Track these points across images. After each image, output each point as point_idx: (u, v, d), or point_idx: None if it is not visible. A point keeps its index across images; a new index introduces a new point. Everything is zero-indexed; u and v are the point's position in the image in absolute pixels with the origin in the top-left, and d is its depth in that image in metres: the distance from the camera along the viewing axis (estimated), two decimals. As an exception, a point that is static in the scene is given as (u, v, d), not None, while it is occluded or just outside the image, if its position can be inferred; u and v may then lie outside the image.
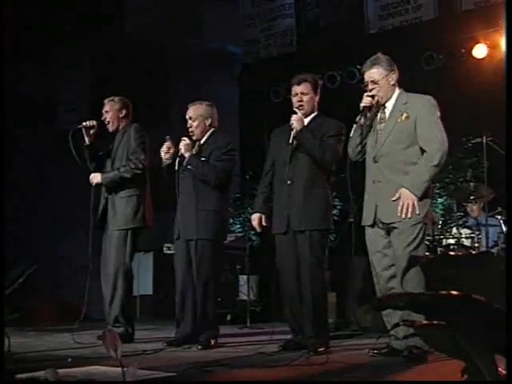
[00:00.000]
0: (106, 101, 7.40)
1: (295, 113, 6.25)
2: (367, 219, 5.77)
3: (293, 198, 6.15)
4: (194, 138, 6.73)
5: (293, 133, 6.17)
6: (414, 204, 5.45)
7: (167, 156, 6.74)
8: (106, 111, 7.33)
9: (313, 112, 6.37)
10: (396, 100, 5.76)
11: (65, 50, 13.18)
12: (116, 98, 7.38)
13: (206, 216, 6.52)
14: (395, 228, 5.54)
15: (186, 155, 6.59)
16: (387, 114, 5.77)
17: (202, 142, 6.75)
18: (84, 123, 7.15)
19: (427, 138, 5.55)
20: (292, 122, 6.14)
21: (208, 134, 6.77)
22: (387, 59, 5.81)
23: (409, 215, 5.44)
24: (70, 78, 13.53)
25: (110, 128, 7.32)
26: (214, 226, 6.56)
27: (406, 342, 5.33)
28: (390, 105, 5.78)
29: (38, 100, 12.97)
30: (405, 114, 5.65)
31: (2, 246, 2.56)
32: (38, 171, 11.78)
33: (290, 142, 6.18)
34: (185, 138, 6.65)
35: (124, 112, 7.34)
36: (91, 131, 7.17)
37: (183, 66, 12.64)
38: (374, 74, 5.77)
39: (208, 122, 6.75)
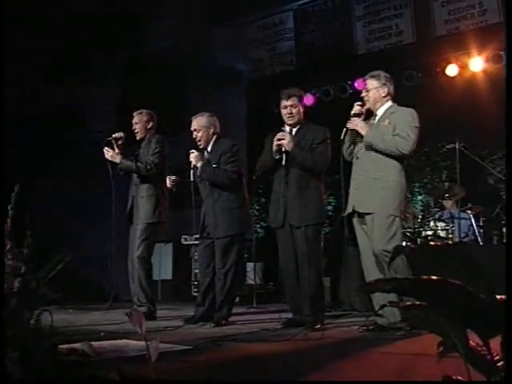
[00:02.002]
0: (135, 113, 7.42)
1: (282, 129, 6.28)
2: (348, 208, 5.87)
3: (289, 198, 6.14)
4: (201, 147, 6.68)
5: (284, 155, 6.12)
6: (358, 125, 5.75)
7: (173, 184, 6.86)
8: (136, 122, 7.36)
9: (300, 121, 6.38)
10: (386, 110, 5.87)
11: (97, 66, 13.22)
12: (144, 112, 7.40)
13: (229, 214, 6.49)
14: (367, 223, 5.65)
15: (198, 165, 6.57)
16: (376, 120, 5.85)
17: (209, 149, 6.71)
18: (114, 135, 7.21)
19: (402, 136, 5.61)
20: (283, 144, 6.06)
21: (213, 141, 6.70)
22: (384, 76, 5.94)
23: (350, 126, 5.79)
24: (100, 91, 13.56)
25: (138, 136, 7.35)
26: (238, 222, 6.54)
27: (391, 319, 5.36)
28: (379, 113, 5.91)
29: (71, 110, 13.00)
30: (387, 121, 5.78)
31: (2, 244, 2.57)
32: (75, 175, 11.79)
33: (283, 163, 6.15)
34: (193, 151, 6.61)
35: (151, 124, 7.38)
36: (119, 141, 7.22)
37: (198, 82, 12.65)
38: (368, 83, 5.95)
39: (211, 131, 6.69)
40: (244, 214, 6.71)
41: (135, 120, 7.39)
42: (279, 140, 6.11)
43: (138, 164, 7.08)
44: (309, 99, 11.08)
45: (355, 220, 5.85)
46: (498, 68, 9.95)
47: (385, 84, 5.87)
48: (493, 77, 9.96)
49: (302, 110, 6.40)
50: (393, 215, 5.57)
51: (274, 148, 6.15)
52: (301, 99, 6.46)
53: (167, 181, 6.93)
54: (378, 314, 5.53)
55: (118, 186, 7.46)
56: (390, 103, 5.89)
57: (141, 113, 7.40)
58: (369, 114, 5.98)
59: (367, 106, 5.91)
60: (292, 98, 6.34)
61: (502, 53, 9.70)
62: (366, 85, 5.99)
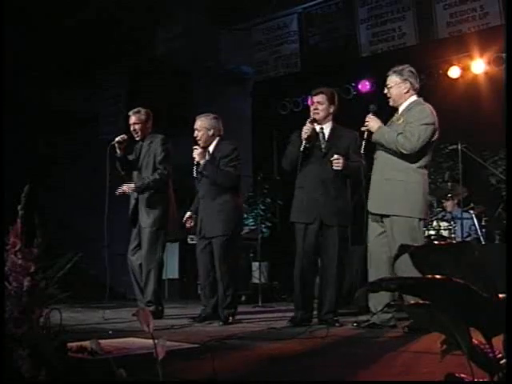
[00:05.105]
0: (131, 113, 7.28)
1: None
2: (368, 207, 5.79)
3: (325, 197, 6.10)
4: (201, 145, 6.72)
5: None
6: (370, 122, 5.67)
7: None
8: (135, 123, 7.21)
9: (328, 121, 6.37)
10: (405, 107, 5.74)
11: (107, 72, 13.31)
12: (142, 111, 7.26)
13: (225, 214, 6.53)
14: (385, 224, 5.58)
15: (202, 162, 6.60)
16: (395, 118, 5.77)
17: (210, 150, 6.75)
18: (117, 139, 7.06)
19: (405, 135, 5.50)
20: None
21: (215, 142, 6.76)
22: (408, 71, 5.81)
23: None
24: (110, 95, 13.61)
25: (138, 138, 7.24)
26: (233, 222, 6.59)
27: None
28: (400, 109, 5.77)
29: (84, 114, 13.09)
30: (402, 119, 5.64)
31: (3, 244, 2.58)
32: (87, 175, 11.85)
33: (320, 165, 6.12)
34: (196, 147, 6.67)
35: (150, 123, 7.28)
36: (123, 144, 7.11)
37: (204, 84, 12.67)
38: (389, 80, 5.82)
39: (210, 133, 6.74)
40: (239, 215, 6.78)
41: (134, 120, 7.23)
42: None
43: (151, 178, 7.03)
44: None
45: (371, 219, 5.77)
46: (499, 70, 9.94)
47: (406, 79, 5.73)
48: (494, 79, 9.96)
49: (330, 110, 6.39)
50: (411, 217, 5.46)
51: (306, 134, 6.11)
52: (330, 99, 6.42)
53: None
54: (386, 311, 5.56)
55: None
56: (412, 99, 5.74)
57: (139, 112, 7.25)
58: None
59: (390, 103, 5.82)
60: (320, 94, 6.34)
61: (504, 55, 9.69)
62: (387, 82, 5.85)
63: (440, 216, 9.39)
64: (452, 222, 9.03)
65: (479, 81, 10.38)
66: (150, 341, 2.04)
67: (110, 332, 5.25)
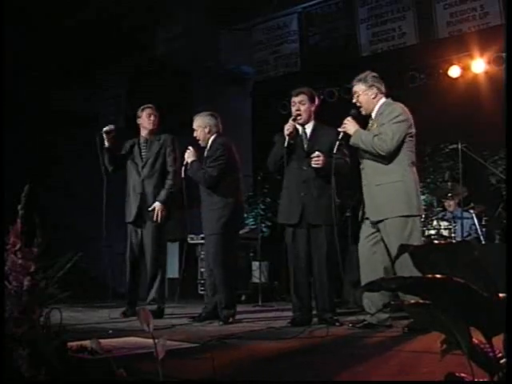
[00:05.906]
0: (146, 107, 7.28)
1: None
2: (360, 217, 5.79)
3: (309, 196, 6.10)
4: (201, 144, 6.76)
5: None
6: (347, 126, 5.71)
7: None
8: (155, 115, 7.24)
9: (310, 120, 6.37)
10: (377, 110, 5.78)
11: (107, 72, 13.31)
12: (154, 107, 7.29)
13: (213, 214, 6.52)
14: (380, 229, 5.58)
15: (189, 161, 6.62)
16: (370, 124, 5.80)
17: (208, 148, 6.75)
18: (104, 128, 7.07)
19: (380, 136, 5.52)
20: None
21: (210, 140, 6.74)
22: (371, 76, 5.83)
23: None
24: (110, 95, 13.62)
25: (155, 131, 7.27)
26: (220, 222, 6.49)
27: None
28: (373, 115, 5.82)
29: (84, 113, 13.10)
30: (375, 124, 5.68)
31: (3, 244, 2.59)
32: (85, 177, 11.87)
33: (305, 168, 6.12)
34: (189, 148, 6.67)
35: (158, 121, 7.31)
36: (111, 135, 7.10)
37: (204, 84, 12.67)
38: (356, 89, 5.85)
39: (207, 130, 6.71)
40: (233, 214, 6.58)
41: (151, 112, 7.24)
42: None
43: (167, 186, 7.08)
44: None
45: (365, 223, 5.76)
46: (499, 70, 9.94)
47: (372, 85, 5.77)
48: (494, 78, 9.96)
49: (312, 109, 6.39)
50: (404, 216, 5.46)
51: (288, 130, 6.13)
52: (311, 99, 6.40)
53: None
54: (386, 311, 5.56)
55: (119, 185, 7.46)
56: (381, 102, 5.77)
57: (150, 107, 7.28)
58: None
59: (362, 112, 5.85)
60: (301, 94, 6.32)
61: (504, 54, 9.70)
62: (354, 91, 5.90)
63: (440, 216, 9.40)
64: (452, 222, 9.04)
65: (479, 80, 10.39)
66: (151, 340, 2.04)
67: (110, 331, 5.26)
